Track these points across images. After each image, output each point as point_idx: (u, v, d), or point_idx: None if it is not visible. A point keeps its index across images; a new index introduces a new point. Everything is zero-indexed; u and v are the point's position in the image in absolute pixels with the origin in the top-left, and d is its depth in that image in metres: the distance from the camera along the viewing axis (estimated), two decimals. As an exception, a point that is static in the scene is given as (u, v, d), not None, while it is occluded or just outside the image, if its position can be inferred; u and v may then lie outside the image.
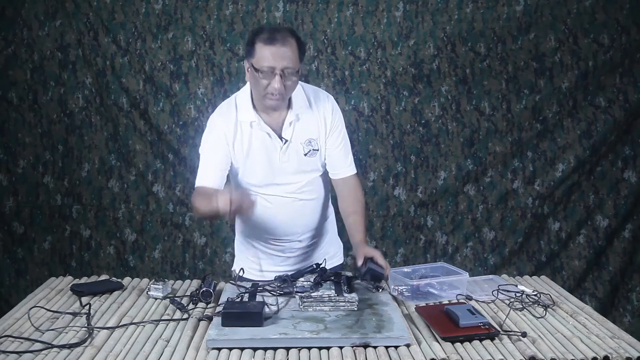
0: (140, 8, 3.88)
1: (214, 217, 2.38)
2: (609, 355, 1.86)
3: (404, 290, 2.34)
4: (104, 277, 2.61)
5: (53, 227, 4.06)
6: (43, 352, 1.88)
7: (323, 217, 2.61)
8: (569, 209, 4.01)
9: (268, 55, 2.25)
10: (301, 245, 2.58)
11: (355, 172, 2.57)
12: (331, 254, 2.67)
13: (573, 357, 1.84)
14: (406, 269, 2.43)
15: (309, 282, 2.24)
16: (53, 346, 1.90)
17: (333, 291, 2.16)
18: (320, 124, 2.46)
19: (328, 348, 1.89)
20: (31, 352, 1.88)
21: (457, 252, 4.02)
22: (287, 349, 1.89)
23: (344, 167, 2.53)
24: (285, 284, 2.29)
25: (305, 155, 2.45)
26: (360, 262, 2.36)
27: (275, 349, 1.89)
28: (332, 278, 2.29)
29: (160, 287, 2.32)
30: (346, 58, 3.87)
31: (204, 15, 3.86)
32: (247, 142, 2.42)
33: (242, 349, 1.89)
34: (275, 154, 2.43)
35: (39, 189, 4.04)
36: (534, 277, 2.62)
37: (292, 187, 2.47)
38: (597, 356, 1.85)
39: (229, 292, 2.28)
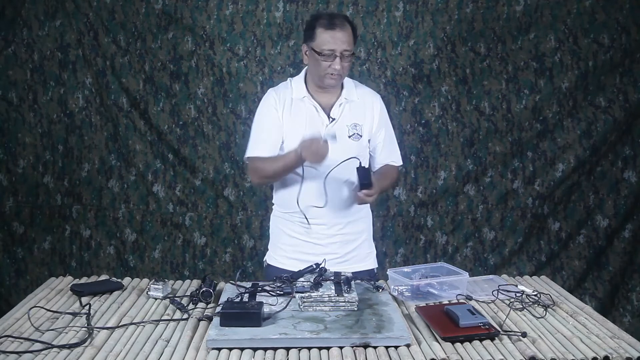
0: (140, 8, 3.88)
1: (287, 170, 2.57)
2: (609, 355, 1.86)
3: (404, 290, 2.34)
4: (104, 277, 2.61)
5: (53, 227, 4.06)
6: (43, 352, 1.88)
7: (355, 208, 2.63)
8: (569, 209, 4.01)
9: (329, 39, 2.47)
10: (328, 232, 2.62)
11: (399, 164, 2.79)
12: (362, 257, 2.72)
13: (573, 357, 1.85)
14: (406, 269, 2.43)
15: (309, 282, 2.24)
16: (53, 346, 1.90)
17: (333, 291, 2.16)
18: (367, 114, 2.65)
19: (328, 348, 1.90)
20: (31, 352, 1.88)
21: (457, 252, 4.02)
22: (287, 349, 1.89)
23: (385, 157, 2.73)
24: (285, 284, 2.29)
25: (349, 137, 2.60)
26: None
27: (275, 349, 1.89)
28: (332, 278, 2.29)
29: (160, 287, 2.32)
30: (346, 58, 3.87)
31: (204, 15, 3.86)
32: (295, 115, 2.58)
33: (242, 349, 1.89)
34: (321, 129, 2.58)
35: (39, 189, 4.04)
36: (534, 277, 2.62)
37: (332, 164, 2.53)
38: (597, 356, 1.85)
39: (229, 292, 2.28)
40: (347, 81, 2.65)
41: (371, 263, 2.75)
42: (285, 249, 2.68)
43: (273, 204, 2.76)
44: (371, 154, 2.71)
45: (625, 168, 3.95)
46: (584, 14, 3.83)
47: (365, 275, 2.55)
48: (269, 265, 2.74)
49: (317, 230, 2.62)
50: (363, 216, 2.71)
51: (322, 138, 2.44)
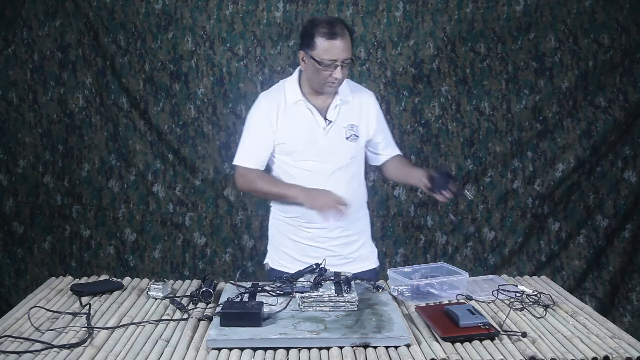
0: (140, 8, 3.87)
1: (281, 200, 2.63)
2: (609, 355, 1.86)
3: (404, 290, 2.34)
4: (104, 277, 2.61)
5: (53, 227, 4.06)
6: (43, 352, 1.88)
7: (354, 209, 2.62)
8: (569, 209, 4.01)
9: (330, 49, 2.43)
10: (330, 235, 2.62)
11: (400, 154, 2.85)
12: (364, 257, 2.73)
13: (573, 357, 1.85)
14: (406, 269, 2.44)
15: (309, 282, 2.24)
16: (53, 346, 1.90)
17: (333, 291, 2.16)
18: (363, 114, 2.65)
19: (328, 348, 1.90)
20: (31, 352, 1.88)
21: (457, 252, 4.02)
22: (287, 349, 1.90)
23: (391, 151, 2.79)
24: (285, 284, 2.29)
25: (347, 138, 2.60)
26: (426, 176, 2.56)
27: (275, 349, 1.89)
28: (332, 278, 2.29)
29: (160, 287, 2.32)
30: (346, 58, 3.87)
31: (204, 15, 3.86)
32: (291, 119, 2.57)
33: (242, 349, 1.89)
34: (319, 132, 2.58)
35: (39, 189, 4.04)
36: (534, 277, 2.62)
37: (330, 166, 2.58)
38: (597, 356, 1.85)
39: (229, 292, 2.28)
40: None
41: (374, 262, 2.77)
42: (289, 253, 2.68)
43: (271, 207, 2.76)
44: (373, 151, 2.75)
45: (625, 168, 3.95)
46: (584, 14, 3.83)
47: (368, 275, 2.57)
48: (272, 269, 2.72)
49: (320, 234, 2.62)
50: (362, 216, 2.73)
51: (335, 198, 2.46)
